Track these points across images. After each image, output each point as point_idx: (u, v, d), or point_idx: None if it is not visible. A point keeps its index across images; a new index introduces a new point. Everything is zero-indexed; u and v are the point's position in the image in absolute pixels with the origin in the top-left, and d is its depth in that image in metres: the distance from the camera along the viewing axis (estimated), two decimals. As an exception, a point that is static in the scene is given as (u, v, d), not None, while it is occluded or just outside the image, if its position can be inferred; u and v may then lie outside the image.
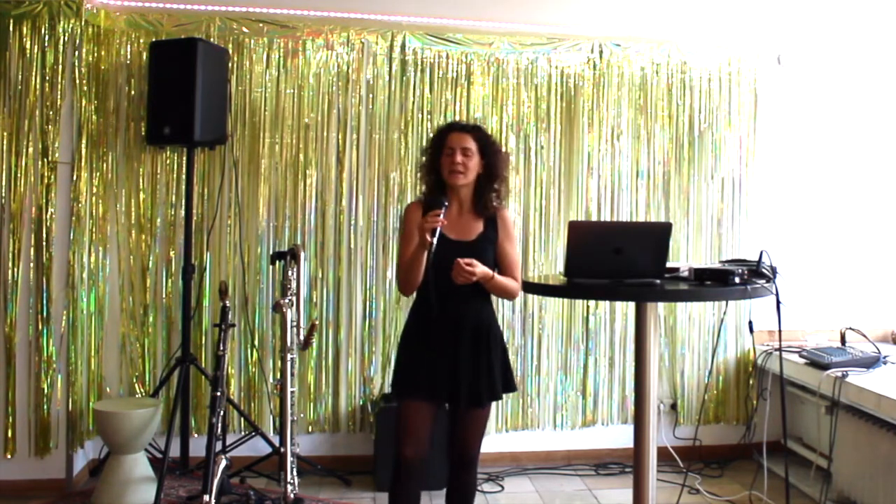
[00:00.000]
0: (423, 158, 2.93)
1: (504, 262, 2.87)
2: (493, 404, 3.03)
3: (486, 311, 2.86)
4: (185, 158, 4.02)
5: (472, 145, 2.79)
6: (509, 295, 2.89)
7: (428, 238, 2.63)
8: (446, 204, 2.72)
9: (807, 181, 4.54)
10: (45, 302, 3.77)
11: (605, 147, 4.39)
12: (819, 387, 3.73)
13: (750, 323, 3.56)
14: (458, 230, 2.82)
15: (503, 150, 2.98)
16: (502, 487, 4.03)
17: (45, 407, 3.76)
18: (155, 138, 3.86)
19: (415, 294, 2.85)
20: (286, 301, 3.37)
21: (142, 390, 4.09)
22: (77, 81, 3.82)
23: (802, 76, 4.53)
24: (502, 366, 2.86)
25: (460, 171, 2.77)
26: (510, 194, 4.23)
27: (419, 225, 2.67)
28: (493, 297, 2.90)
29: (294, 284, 3.47)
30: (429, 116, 4.24)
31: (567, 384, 4.39)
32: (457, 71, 4.26)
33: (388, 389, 4.15)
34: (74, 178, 3.83)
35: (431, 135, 2.97)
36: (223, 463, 3.27)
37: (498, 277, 2.80)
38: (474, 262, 2.69)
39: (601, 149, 4.38)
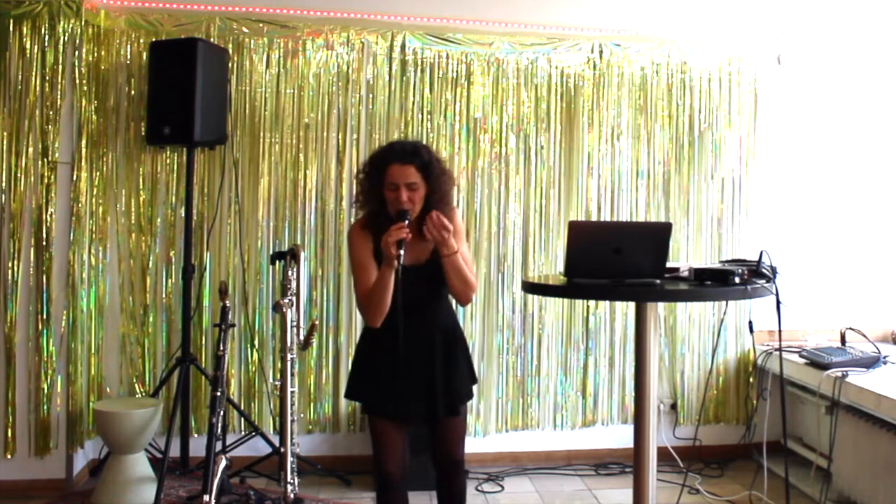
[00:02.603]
0: (359, 186, 2.72)
1: None
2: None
3: (446, 313, 2.78)
4: (185, 158, 4.02)
5: (416, 178, 2.60)
6: (465, 282, 2.64)
7: (394, 251, 2.48)
8: (409, 217, 2.56)
9: (807, 181, 4.54)
10: (45, 302, 3.77)
11: (605, 147, 4.39)
12: (819, 387, 3.73)
13: (750, 323, 3.56)
14: (410, 254, 2.62)
15: (444, 164, 2.74)
16: (502, 487, 4.03)
17: (45, 407, 3.77)
18: (155, 138, 3.86)
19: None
20: (286, 301, 3.37)
21: (142, 390, 4.10)
22: (77, 81, 3.83)
23: (802, 76, 4.53)
24: (466, 362, 2.80)
25: (408, 208, 2.59)
26: (510, 194, 4.29)
27: (383, 241, 2.51)
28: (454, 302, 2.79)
29: (294, 284, 3.47)
30: (429, 116, 4.24)
31: (567, 384, 4.38)
32: (457, 71, 4.26)
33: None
34: (74, 178, 3.83)
35: (369, 160, 2.73)
36: (223, 463, 3.26)
37: (460, 258, 2.63)
38: (450, 227, 2.58)
39: (601, 149, 4.38)
